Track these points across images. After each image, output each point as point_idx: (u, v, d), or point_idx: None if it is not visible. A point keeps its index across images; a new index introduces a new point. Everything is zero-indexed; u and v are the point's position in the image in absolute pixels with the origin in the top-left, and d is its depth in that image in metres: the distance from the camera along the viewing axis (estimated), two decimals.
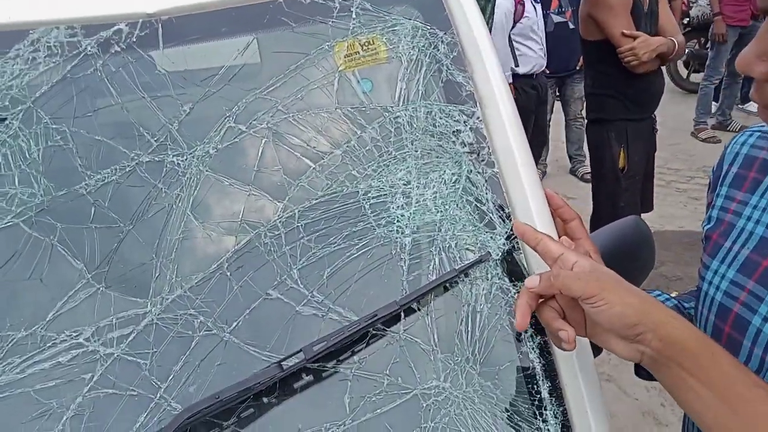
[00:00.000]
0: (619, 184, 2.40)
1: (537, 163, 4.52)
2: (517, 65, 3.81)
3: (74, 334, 0.71)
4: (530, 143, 0.78)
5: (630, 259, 0.90)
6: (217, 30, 0.82)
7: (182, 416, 0.60)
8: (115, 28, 0.80)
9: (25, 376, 0.69)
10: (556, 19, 4.37)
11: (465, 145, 0.76)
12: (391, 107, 0.79)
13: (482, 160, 0.75)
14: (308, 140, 0.79)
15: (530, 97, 3.90)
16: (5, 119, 0.78)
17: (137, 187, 0.76)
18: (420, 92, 0.79)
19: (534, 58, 3.93)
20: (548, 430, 0.64)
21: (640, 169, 2.42)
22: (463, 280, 0.70)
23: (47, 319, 0.72)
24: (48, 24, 0.79)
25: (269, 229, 0.76)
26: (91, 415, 0.67)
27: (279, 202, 0.77)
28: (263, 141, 0.79)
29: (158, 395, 0.67)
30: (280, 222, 0.76)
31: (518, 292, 0.70)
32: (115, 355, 0.70)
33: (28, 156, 0.77)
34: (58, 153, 0.77)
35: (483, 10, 1.23)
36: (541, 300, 0.63)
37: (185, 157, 0.76)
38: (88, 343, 0.71)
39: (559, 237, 0.70)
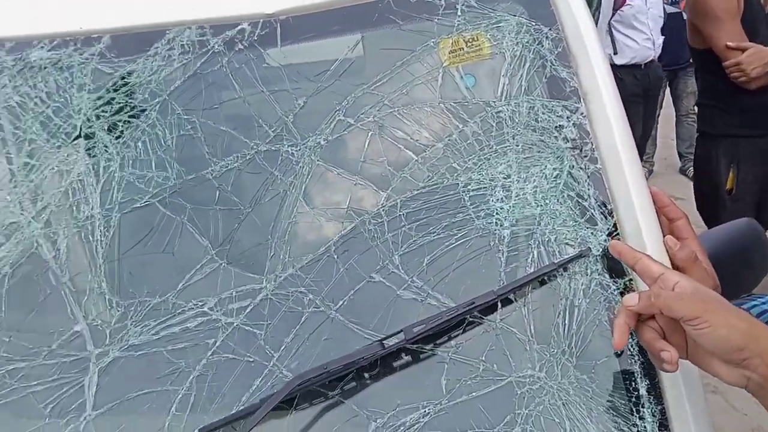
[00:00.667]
0: (721, 207, 2.13)
1: (643, 159, 4.29)
2: (615, 53, 3.61)
3: (200, 304, 0.79)
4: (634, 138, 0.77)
5: (741, 264, 0.87)
6: (330, 28, 0.87)
7: (293, 383, 0.67)
8: (239, 27, 0.87)
9: (159, 337, 0.78)
10: (669, 9, 4.11)
11: (567, 141, 0.77)
12: (494, 102, 0.81)
13: (585, 156, 0.76)
14: (411, 133, 0.83)
15: (629, 89, 3.67)
16: (145, 110, 0.88)
17: (256, 173, 0.84)
18: (523, 88, 0.81)
19: (636, 49, 3.71)
20: (645, 427, 0.64)
21: (751, 193, 2.12)
22: (562, 275, 0.72)
23: (177, 288, 0.81)
24: (182, 24, 0.88)
25: (373, 217, 0.80)
26: (213, 376, 0.75)
27: (382, 191, 0.82)
28: (369, 134, 0.84)
29: (271, 363, 0.74)
30: (383, 210, 0.81)
31: (618, 289, 0.70)
32: (235, 324, 0.77)
33: (163, 143, 0.86)
34: (188, 141, 0.86)
35: (589, 4, 1.21)
36: (640, 320, 0.62)
37: (299, 148, 0.83)
38: (212, 312, 0.79)
39: (665, 236, 0.69)
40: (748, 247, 0.88)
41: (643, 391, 0.66)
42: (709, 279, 0.66)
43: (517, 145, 0.79)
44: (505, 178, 0.78)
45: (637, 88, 3.74)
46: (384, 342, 0.68)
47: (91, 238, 0.85)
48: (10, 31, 0.91)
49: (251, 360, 0.75)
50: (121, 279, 0.83)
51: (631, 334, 0.63)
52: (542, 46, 0.81)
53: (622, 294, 0.69)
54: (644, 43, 3.73)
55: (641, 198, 0.72)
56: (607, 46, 3.51)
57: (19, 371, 0.78)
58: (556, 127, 0.78)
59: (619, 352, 0.69)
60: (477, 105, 0.82)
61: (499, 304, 0.71)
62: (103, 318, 0.81)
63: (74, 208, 0.86)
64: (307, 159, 0.82)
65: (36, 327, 0.81)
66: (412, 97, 0.84)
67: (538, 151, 0.78)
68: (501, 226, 0.76)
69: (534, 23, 0.83)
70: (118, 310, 0.81)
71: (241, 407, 0.71)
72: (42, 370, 0.78)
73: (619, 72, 3.59)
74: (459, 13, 0.85)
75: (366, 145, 0.83)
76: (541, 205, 0.75)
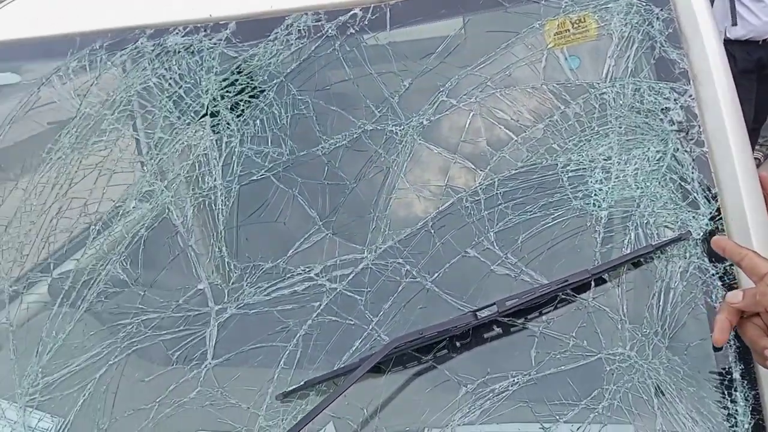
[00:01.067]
0: None
1: (758, 143, 3.94)
2: (734, 23, 3.28)
3: (307, 270, 0.87)
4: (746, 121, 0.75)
5: None
6: (437, 12, 0.91)
7: (391, 345, 0.72)
8: (352, 12, 0.92)
9: (270, 298, 0.86)
10: None
11: (673, 123, 0.76)
12: (598, 83, 0.81)
13: (691, 139, 0.74)
14: (513, 114, 0.85)
15: (741, 65, 3.32)
16: (264, 91, 0.96)
17: (361, 151, 0.89)
18: (629, 69, 0.80)
19: (756, 24, 3.36)
20: (736, 410, 0.63)
21: None
22: (659, 257, 0.71)
23: (287, 255, 0.88)
24: (300, 11, 0.95)
25: (470, 195, 0.84)
26: (317, 336, 0.82)
27: (481, 170, 0.84)
28: (471, 114, 0.86)
29: (370, 327, 0.80)
30: (480, 189, 0.83)
31: (717, 274, 0.69)
32: (338, 290, 0.84)
33: (278, 121, 0.94)
34: (301, 120, 0.93)
35: None
36: (743, 316, 0.61)
37: (402, 127, 0.87)
38: (317, 278, 0.86)
39: None
40: None
41: (736, 375, 0.65)
42: None
43: (620, 127, 0.79)
44: (605, 159, 0.79)
45: (750, 65, 3.40)
46: (477, 313, 0.72)
47: (213, 206, 0.94)
48: (150, 19, 1.02)
49: (352, 323, 0.81)
50: (238, 244, 0.92)
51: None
52: (652, 26, 0.80)
53: (721, 279, 0.68)
54: (766, 18, 3.39)
55: (749, 184, 0.70)
56: (725, 17, 3.22)
57: (151, 321, 0.89)
58: (662, 109, 0.77)
59: (718, 348, 0.68)
60: (580, 86, 0.82)
61: (593, 283, 0.72)
62: (222, 278, 0.90)
63: (199, 179, 0.96)
64: (410, 138, 0.87)
65: (165, 284, 0.92)
66: (515, 79, 0.86)
67: (642, 134, 0.78)
68: (599, 207, 0.76)
69: (645, 3, 0.81)
70: (236, 272, 0.90)
71: (342, 365, 0.77)
72: (170, 322, 0.89)
73: (731, 47, 3.29)
74: None
75: (467, 125, 0.86)
76: (642, 188, 0.75)
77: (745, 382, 0.64)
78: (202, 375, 0.83)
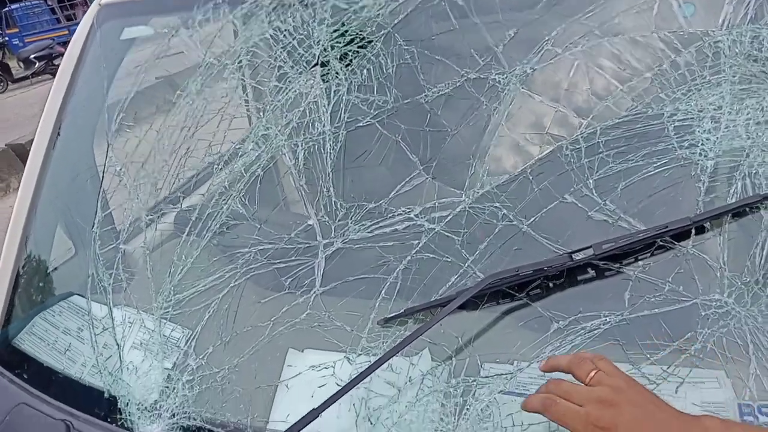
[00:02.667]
0: None
1: None
2: None
3: (407, 211, 0.92)
4: None
5: None
6: None
7: (487, 280, 0.76)
8: None
9: (373, 235, 0.93)
10: None
11: None
12: (713, 31, 0.79)
13: None
14: (619, 63, 0.85)
15: None
16: (371, 41, 1.01)
17: (464, 99, 0.92)
18: (749, 16, 0.78)
19: None
20: None
21: None
22: (766, 207, 0.70)
23: (389, 196, 0.94)
24: None
25: (571, 143, 0.85)
26: (416, 271, 0.88)
27: (583, 119, 0.85)
28: (575, 63, 0.87)
29: (466, 264, 0.84)
30: (581, 137, 0.85)
31: None
32: (436, 230, 0.89)
33: (384, 71, 0.99)
34: (406, 69, 0.98)
35: None
36: None
37: (505, 76, 0.89)
38: (417, 219, 0.91)
39: None
40: None
41: None
42: None
43: (734, 76, 0.77)
44: (715, 109, 0.77)
45: None
46: (573, 255, 0.74)
47: (322, 150, 1.01)
48: None
49: (449, 260, 0.86)
50: (344, 186, 0.99)
51: None
52: None
53: None
54: None
55: None
56: None
57: (267, 251, 0.98)
58: None
59: None
60: (694, 34, 0.81)
61: (693, 231, 0.73)
62: (329, 216, 0.98)
63: (310, 125, 1.03)
64: (512, 86, 0.89)
65: (279, 219, 1.01)
66: (623, 27, 0.85)
67: (757, 83, 0.76)
68: (705, 156, 0.76)
69: None
70: (341, 211, 0.97)
71: (438, 297, 0.82)
72: (282, 253, 0.98)
73: None
74: None
75: (571, 74, 0.87)
76: (753, 138, 0.73)
77: None
78: (311, 300, 0.91)
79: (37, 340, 1.09)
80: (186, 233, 1.02)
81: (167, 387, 0.91)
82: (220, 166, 1.06)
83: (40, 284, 1.17)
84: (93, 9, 1.28)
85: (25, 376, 1.04)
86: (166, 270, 1.01)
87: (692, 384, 0.68)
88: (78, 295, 1.11)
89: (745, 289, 0.69)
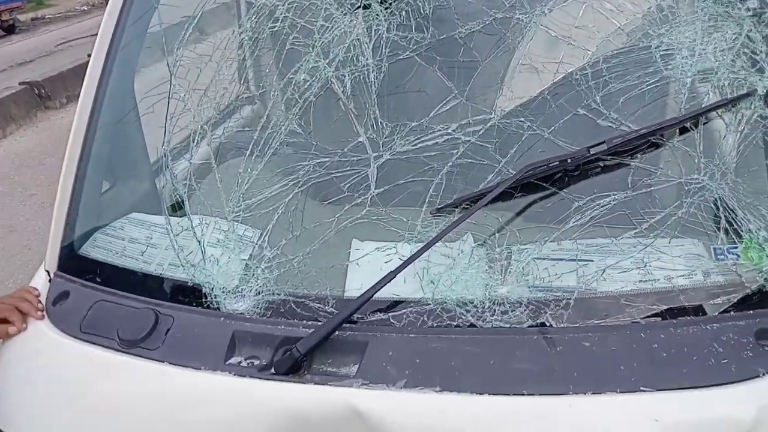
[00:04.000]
0: None
1: None
2: None
3: (446, 127, 1.12)
4: None
5: None
6: None
7: (522, 171, 0.98)
8: None
9: (417, 147, 1.13)
10: None
11: (749, 11, 0.98)
12: None
13: (763, 22, 0.97)
14: (617, 7, 1.08)
15: None
16: None
17: (492, 35, 1.13)
18: None
19: None
20: None
21: None
22: (731, 109, 0.95)
23: (430, 116, 1.14)
24: None
25: (580, 69, 1.08)
26: (457, 173, 1.08)
27: (589, 50, 1.08)
28: (583, 6, 1.09)
29: (500, 165, 1.06)
30: (588, 65, 1.07)
31: None
32: (471, 141, 1.10)
33: (422, 12, 1.18)
34: (441, 10, 1.17)
35: None
36: None
37: (527, 15, 1.11)
38: (454, 133, 1.11)
39: None
40: None
41: None
42: None
43: (705, 16, 1.02)
44: (691, 41, 1.02)
45: None
46: (589, 149, 0.97)
47: (366, 80, 1.19)
48: None
49: (484, 163, 1.07)
50: (389, 108, 1.18)
51: None
52: None
53: None
54: None
55: None
56: None
57: (324, 164, 1.16)
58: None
59: None
60: None
61: (677, 130, 0.97)
62: (377, 134, 1.16)
63: (355, 58, 1.21)
64: (533, 24, 1.11)
65: (333, 137, 1.19)
66: None
67: (723, 21, 1.00)
68: (684, 75, 1.00)
69: None
70: (387, 129, 1.16)
71: (482, 188, 1.03)
72: (338, 164, 1.16)
73: None
74: None
75: (579, 15, 1.09)
76: (719, 60, 0.98)
77: None
78: (368, 200, 1.10)
79: (104, 250, 1.22)
80: (249, 150, 1.19)
81: (246, 274, 1.08)
82: (276, 93, 1.22)
83: (100, 200, 1.29)
84: None
85: (99, 280, 1.17)
86: (233, 182, 1.17)
87: (680, 240, 0.92)
88: (137, 212, 1.25)
89: (716, 168, 0.94)
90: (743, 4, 0.99)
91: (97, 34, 1.32)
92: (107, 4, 1.36)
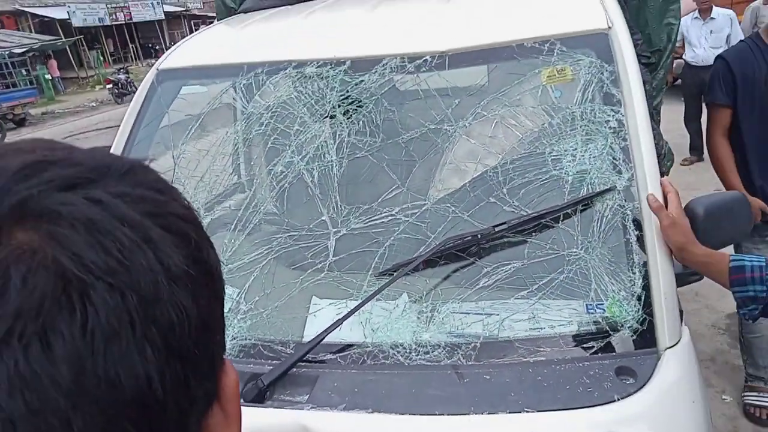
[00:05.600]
0: None
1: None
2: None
3: (390, 210, 1.42)
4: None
5: (725, 218, 1.35)
6: (475, 61, 1.49)
7: (443, 243, 1.27)
8: (424, 58, 1.51)
9: (367, 224, 1.42)
10: None
11: (611, 129, 1.32)
12: (570, 106, 1.38)
13: (621, 138, 1.31)
14: (519, 123, 1.42)
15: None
16: (364, 104, 1.54)
17: (426, 141, 1.46)
18: (588, 97, 1.37)
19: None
20: (633, 277, 1.17)
21: None
22: (599, 199, 1.27)
23: (378, 201, 1.44)
24: (391, 56, 1.54)
25: (492, 168, 1.40)
26: (397, 246, 1.37)
27: (499, 154, 1.41)
28: (494, 122, 1.43)
29: (430, 239, 1.35)
30: (499, 164, 1.40)
31: (631, 210, 1.24)
32: (409, 221, 1.39)
33: (375, 122, 1.52)
34: (389, 122, 1.51)
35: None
36: None
37: (453, 127, 1.45)
38: (396, 214, 1.41)
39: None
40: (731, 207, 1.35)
41: (636, 259, 1.19)
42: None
43: (582, 131, 1.35)
44: (573, 150, 1.35)
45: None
46: (495, 227, 1.27)
47: (330, 172, 1.51)
48: (294, 55, 1.62)
49: (419, 237, 1.36)
50: (347, 194, 1.48)
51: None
52: (602, 74, 1.38)
53: (631, 212, 1.23)
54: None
55: (650, 163, 1.26)
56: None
57: (293, 236, 1.45)
58: (605, 121, 1.33)
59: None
60: (560, 107, 1.40)
61: (562, 216, 1.28)
62: (337, 213, 1.46)
63: (322, 155, 1.53)
64: (457, 134, 1.44)
65: (302, 215, 1.49)
66: (523, 102, 1.44)
67: (594, 135, 1.34)
68: (567, 174, 1.32)
69: (599, 61, 1.39)
70: (345, 210, 1.46)
71: (415, 256, 1.32)
72: (304, 237, 1.45)
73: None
74: (554, 55, 1.43)
75: (492, 128, 1.43)
76: (591, 164, 1.31)
77: (639, 261, 1.19)
78: (326, 265, 1.38)
79: None
80: (233, 225, 1.47)
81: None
82: (257, 180, 1.53)
83: None
84: (152, 73, 1.76)
85: None
86: (219, 250, 1.45)
87: (564, 299, 1.20)
88: None
89: (589, 243, 1.23)
90: (607, 124, 1.33)
91: (103, 128, 1.65)
92: (115, 100, 1.70)
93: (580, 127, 1.36)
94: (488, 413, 1.07)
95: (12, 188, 0.30)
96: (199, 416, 0.35)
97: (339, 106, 1.55)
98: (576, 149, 1.35)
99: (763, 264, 1.17)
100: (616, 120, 1.33)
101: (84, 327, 0.28)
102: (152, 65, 1.78)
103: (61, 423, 0.28)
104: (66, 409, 0.28)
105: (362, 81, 1.54)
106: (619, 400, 1.06)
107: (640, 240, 1.22)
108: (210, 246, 0.38)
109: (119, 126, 1.70)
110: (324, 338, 1.18)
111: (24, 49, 19.85)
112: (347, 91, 1.55)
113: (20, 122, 11.81)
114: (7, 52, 18.82)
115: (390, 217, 1.42)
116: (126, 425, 0.29)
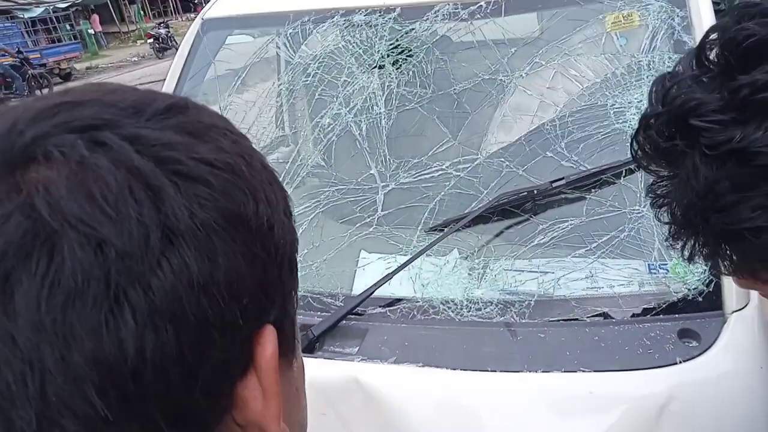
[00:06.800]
0: None
1: None
2: None
3: (441, 164, 1.38)
4: None
5: None
6: (535, 6, 1.41)
7: (497, 198, 1.22)
8: (479, 4, 1.43)
9: (417, 179, 1.38)
10: None
11: None
12: (637, 55, 1.30)
13: None
14: (581, 72, 1.34)
15: None
16: (415, 53, 1.48)
17: (480, 92, 1.40)
18: (657, 46, 1.28)
19: None
20: None
21: None
22: None
23: (428, 155, 1.40)
24: (444, 2, 1.47)
25: (549, 121, 1.33)
26: (448, 201, 1.33)
27: (558, 106, 1.34)
28: (553, 72, 1.36)
29: (482, 195, 1.30)
30: (556, 117, 1.33)
31: None
32: (461, 175, 1.35)
33: (425, 72, 1.46)
34: (440, 71, 1.45)
35: None
36: None
37: (508, 77, 1.38)
38: (447, 169, 1.37)
39: None
40: None
41: None
42: None
43: (649, 82, 1.27)
44: (639, 102, 1.27)
45: None
46: (552, 183, 1.22)
47: (379, 124, 1.47)
48: (342, 3, 1.56)
49: (470, 193, 1.32)
50: (396, 148, 1.44)
51: None
52: (673, 20, 1.28)
53: None
54: None
55: None
56: None
57: (341, 190, 1.43)
58: None
59: None
60: (625, 56, 1.31)
61: (624, 171, 1.21)
62: (385, 167, 1.43)
63: (370, 108, 1.49)
64: (513, 85, 1.37)
65: (350, 169, 1.46)
66: (584, 51, 1.35)
67: None
68: (631, 127, 1.25)
69: (669, 5, 1.29)
70: (394, 164, 1.42)
71: (466, 212, 1.28)
72: (352, 191, 1.42)
73: None
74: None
75: (550, 78, 1.36)
76: None
77: None
78: (375, 220, 1.36)
79: None
80: (281, 178, 1.45)
81: None
82: (305, 133, 1.51)
83: None
84: (197, 22, 1.72)
85: None
86: None
87: (624, 259, 1.15)
88: None
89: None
90: None
91: (146, 82, 1.64)
92: (156, 55, 1.69)
93: (647, 77, 1.28)
94: (542, 371, 1.04)
95: (24, 130, 0.29)
96: (226, 385, 0.32)
97: (388, 55, 1.50)
98: (642, 101, 1.27)
99: None
100: None
101: (44, 278, 0.26)
102: (192, 19, 1.75)
103: (16, 381, 0.26)
104: (23, 365, 0.26)
105: (413, 29, 1.48)
106: (681, 362, 1.02)
107: None
108: (255, 197, 0.34)
109: (163, 80, 1.68)
110: (374, 292, 1.17)
111: (67, 3, 20.11)
112: (397, 40, 1.49)
113: (66, 77, 12.11)
114: (51, 7, 19.10)
115: (440, 172, 1.38)
116: (91, 393, 0.26)
